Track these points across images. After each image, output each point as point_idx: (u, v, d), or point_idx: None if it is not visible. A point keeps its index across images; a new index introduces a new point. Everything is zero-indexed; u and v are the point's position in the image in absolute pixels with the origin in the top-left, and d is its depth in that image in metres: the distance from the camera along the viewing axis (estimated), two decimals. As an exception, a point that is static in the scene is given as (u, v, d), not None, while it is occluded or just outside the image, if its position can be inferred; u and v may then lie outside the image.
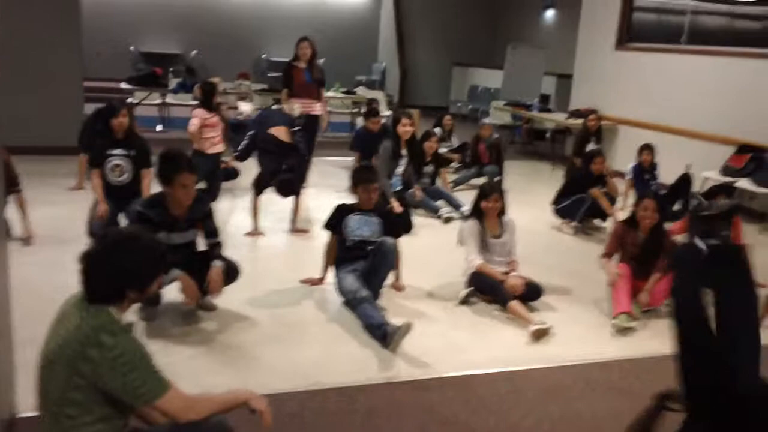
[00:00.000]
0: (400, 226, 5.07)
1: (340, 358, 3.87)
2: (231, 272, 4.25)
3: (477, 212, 4.91)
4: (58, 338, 2.22)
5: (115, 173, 5.70)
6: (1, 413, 2.80)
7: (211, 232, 4.28)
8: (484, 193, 4.88)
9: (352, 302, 4.36)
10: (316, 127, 7.72)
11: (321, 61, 8.25)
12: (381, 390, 3.53)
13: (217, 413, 2.32)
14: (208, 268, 4.10)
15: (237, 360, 3.76)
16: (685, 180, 7.74)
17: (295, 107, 7.38)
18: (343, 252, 4.67)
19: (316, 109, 7.70)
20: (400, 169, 7.04)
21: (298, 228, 6.32)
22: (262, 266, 5.37)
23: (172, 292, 4.12)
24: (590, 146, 8.47)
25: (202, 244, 4.32)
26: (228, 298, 4.37)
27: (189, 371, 3.51)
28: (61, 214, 6.20)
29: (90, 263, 2.26)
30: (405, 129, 6.99)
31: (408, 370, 3.76)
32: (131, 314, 3.97)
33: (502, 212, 4.94)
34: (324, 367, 3.72)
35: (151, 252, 2.34)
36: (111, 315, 2.23)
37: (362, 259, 4.57)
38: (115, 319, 2.23)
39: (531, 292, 4.75)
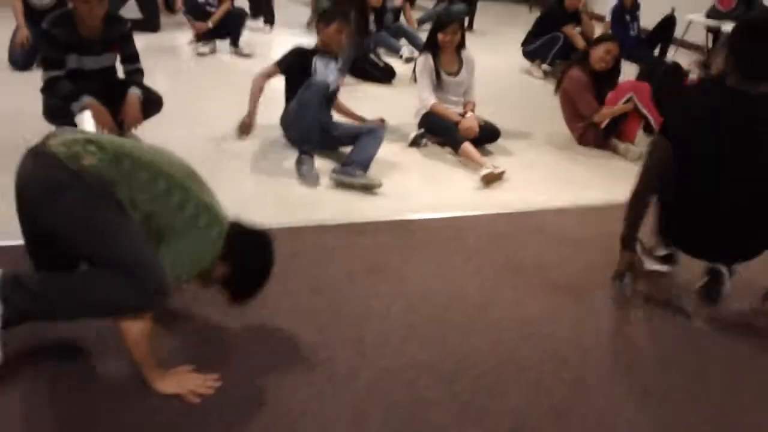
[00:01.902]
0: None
1: (269, 198, 3.54)
2: (151, 103, 3.83)
3: (432, 46, 4.42)
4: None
5: (37, -6, 5.12)
6: None
7: (130, 58, 3.82)
8: (440, 24, 4.38)
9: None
10: None
11: None
12: (309, 233, 3.23)
13: (132, 345, 2.04)
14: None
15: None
16: (667, 23, 7.24)
17: None
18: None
19: None
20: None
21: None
22: (193, 98, 4.91)
23: (86, 123, 3.69)
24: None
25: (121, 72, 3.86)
26: (151, 131, 3.94)
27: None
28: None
29: None
30: None
31: (342, 214, 3.45)
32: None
33: (460, 47, 4.47)
34: (249, 207, 3.33)
35: None
36: None
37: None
38: None
39: (487, 135, 4.39)
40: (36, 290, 1.98)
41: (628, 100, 4.48)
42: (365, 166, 3.80)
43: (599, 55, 4.54)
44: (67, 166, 1.93)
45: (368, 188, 3.70)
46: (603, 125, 4.58)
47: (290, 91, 4.09)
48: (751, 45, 2.57)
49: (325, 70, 4.07)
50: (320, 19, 4.15)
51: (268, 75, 4.04)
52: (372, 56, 5.76)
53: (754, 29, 2.61)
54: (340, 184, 3.72)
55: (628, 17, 7.04)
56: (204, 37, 6.04)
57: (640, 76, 5.01)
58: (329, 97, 4.08)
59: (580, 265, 3.18)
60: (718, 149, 2.60)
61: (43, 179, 1.95)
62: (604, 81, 4.66)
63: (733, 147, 2.58)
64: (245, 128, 3.92)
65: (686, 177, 2.69)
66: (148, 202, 2.01)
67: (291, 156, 4.03)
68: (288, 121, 4.09)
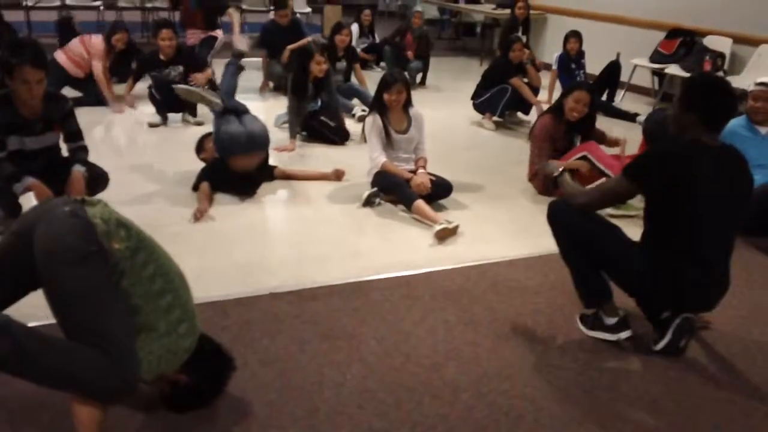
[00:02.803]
0: None
1: (216, 268, 3.48)
2: (97, 179, 3.79)
3: (379, 106, 4.47)
4: None
5: (-23, 76, 5.07)
6: None
7: (73, 135, 3.79)
8: (386, 84, 4.42)
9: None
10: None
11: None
12: (259, 302, 3.16)
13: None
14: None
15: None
16: (613, 68, 7.43)
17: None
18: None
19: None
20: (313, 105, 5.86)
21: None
22: (144, 171, 4.87)
23: (30, 204, 3.63)
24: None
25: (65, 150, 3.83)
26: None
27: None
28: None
29: None
30: (320, 68, 5.64)
31: (294, 280, 3.40)
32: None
33: (407, 105, 4.52)
34: (198, 280, 3.28)
35: None
36: None
37: None
38: None
39: (439, 191, 4.40)
40: (21, 342, 1.95)
41: (581, 158, 4.52)
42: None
43: (570, 106, 4.58)
44: (99, 241, 1.98)
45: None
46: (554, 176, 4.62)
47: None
48: (716, 100, 2.69)
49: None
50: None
51: (208, 194, 4.32)
52: (323, 117, 5.77)
53: (715, 86, 2.74)
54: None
55: (573, 65, 7.22)
56: (159, 109, 6.05)
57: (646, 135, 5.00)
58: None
59: (533, 317, 3.16)
60: (705, 197, 2.66)
61: (73, 243, 1.97)
62: (579, 129, 4.69)
63: (719, 192, 2.67)
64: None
65: (671, 229, 2.72)
66: (140, 296, 2.05)
67: (235, 226, 4.02)
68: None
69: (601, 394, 2.62)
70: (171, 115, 6.09)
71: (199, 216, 4.05)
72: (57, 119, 3.68)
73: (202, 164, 4.56)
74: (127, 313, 2.03)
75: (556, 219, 2.95)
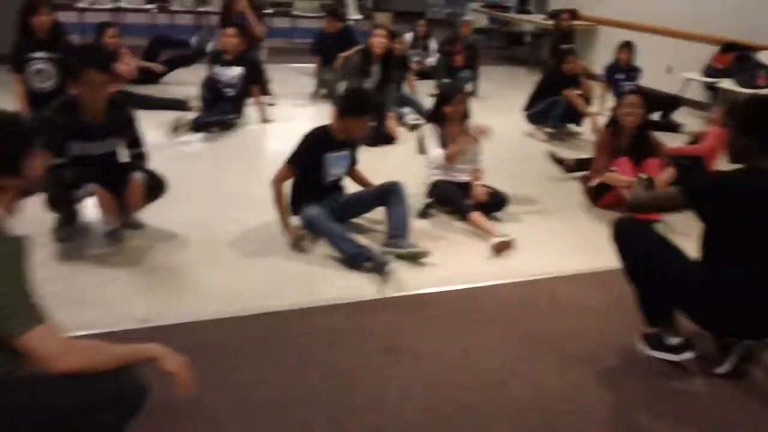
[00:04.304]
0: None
1: (278, 280, 3.47)
2: (155, 186, 3.78)
3: (438, 117, 4.43)
4: None
5: (38, 78, 5.18)
6: None
7: (133, 142, 3.80)
8: (445, 96, 4.40)
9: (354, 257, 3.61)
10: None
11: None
12: (319, 314, 3.15)
13: (105, 367, 1.82)
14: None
15: (160, 284, 3.34)
16: (672, 101, 7.21)
17: None
18: (315, 190, 3.90)
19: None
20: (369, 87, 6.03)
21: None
22: (205, 177, 4.90)
23: (93, 211, 3.70)
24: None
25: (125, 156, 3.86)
26: (161, 215, 3.92)
27: (102, 297, 3.11)
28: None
29: None
30: (377, 41, 6.09)
31: (352, 291, 3.38)
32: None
33: (465, 117, 4.48)
34: (259, 291, 3.32)
35: (8, 128, 1.92)
36: None
37: (332, 195, 4.00)
38: None
39: (495, 203, 4.36)
40: None
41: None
42: (403, 231, 3.76)
43: (622, 112, 4.52)
44: None
45: (415, 257, 3.69)
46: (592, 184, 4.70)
47: (301, 182, 3.92)
48: None
49: (336, 162, 3.94)
50: (349, 109, 3.81)
51: (283, 179, 3.84)
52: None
53: None
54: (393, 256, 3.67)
55: (622, 75, 7.09)
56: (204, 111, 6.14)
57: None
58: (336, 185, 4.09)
59: (596, 335, 3.11)
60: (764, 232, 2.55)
61: None
62: (637, 141, 4.55)
63: None
64: (298, 240, 3.82)
65: (731, 256, 2.62)
66: None
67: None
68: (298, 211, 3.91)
69: (668, 418, 2.55)
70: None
71: (299, 243, 3.82)
72: (119, 125, 3.71)
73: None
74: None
75: (619, 235, 2.88)
